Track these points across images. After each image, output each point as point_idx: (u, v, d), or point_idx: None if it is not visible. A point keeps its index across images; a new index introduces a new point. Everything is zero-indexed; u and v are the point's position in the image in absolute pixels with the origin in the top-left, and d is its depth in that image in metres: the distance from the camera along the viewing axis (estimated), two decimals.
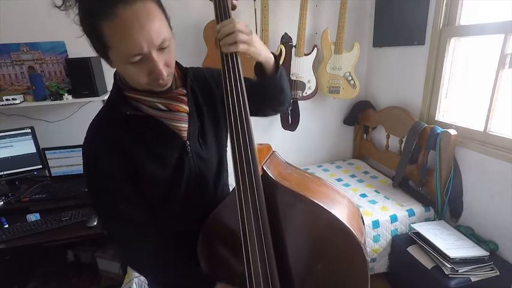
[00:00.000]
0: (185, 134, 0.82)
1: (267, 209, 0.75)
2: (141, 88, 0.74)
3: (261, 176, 0.75)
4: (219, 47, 0.76)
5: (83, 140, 0.78)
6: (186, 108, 0.81)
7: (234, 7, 0.78)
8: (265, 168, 0.77)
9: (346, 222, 0.73)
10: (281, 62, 2.25)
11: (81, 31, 0.66)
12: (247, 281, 0.78)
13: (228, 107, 0.76)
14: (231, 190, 0.82)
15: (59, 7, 0.65)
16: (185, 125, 0.81)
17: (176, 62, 0.80)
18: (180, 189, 0.84)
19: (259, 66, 0.86)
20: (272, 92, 0.90)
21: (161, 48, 0.66)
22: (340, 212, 0.75)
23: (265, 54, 0.82)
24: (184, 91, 0.81)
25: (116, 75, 0.79)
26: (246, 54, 0.78)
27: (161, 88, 0.73)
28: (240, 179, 0.74)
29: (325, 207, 0.73)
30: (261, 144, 0.82)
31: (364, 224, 0.86)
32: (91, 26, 0.63)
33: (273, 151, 0.87)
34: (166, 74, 0.69)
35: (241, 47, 0.74)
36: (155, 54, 0.65)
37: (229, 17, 0.76)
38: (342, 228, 0.73)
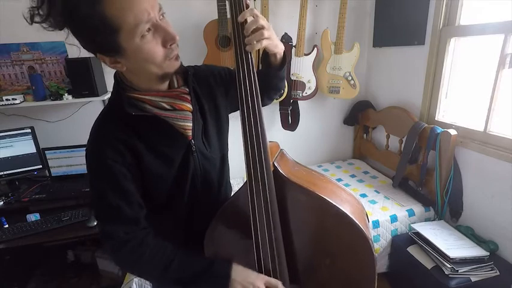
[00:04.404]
0: (190, 133, 0.82)
1: (277, 204, 0.77)
2: (154, 74, 0.72)
3: (272, 171, 0.77)
4: (236, 41, 0.75)
5: (87, 141, 0.77)
6: (190, 107, 0.81)
7: (247, 6, 0.78)
8: (276, 165, 0.79)
9: (353, 217, 0.74)
10: None
11: (85, 40, 0.65)
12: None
13: (242, 102, 0.76)
14: (237, 188, 0.82)
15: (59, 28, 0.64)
16: (190, 124, 0.81)
17: None
18: (185, 189, 0.84)
19: (267, 57, 0.87)
20: (275, 81, 0.93)
21: (161, 16, 0.68)
22: (347, 208, 0.77)
23: (280, 46, 0.83)
24: (187, 90, 0.82)
25: (117, 77, 0.78)
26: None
27: (175, 65, 0.73)
28: (252, 172, 0.75)
29: (334, 203, 0.75)
30: (270, 141, 0.83)
31: (368, 222, 0.87)
32: (92, 17, 0.60)
33: (281, 149, 0.88)
34: (178, 39, 0.70)
35: (265, 43, 0.75)
36: (161, 23, 0.67)
37: None
38: (350, 223, 0.75)
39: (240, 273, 0.77)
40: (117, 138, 0.74)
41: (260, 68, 0.93)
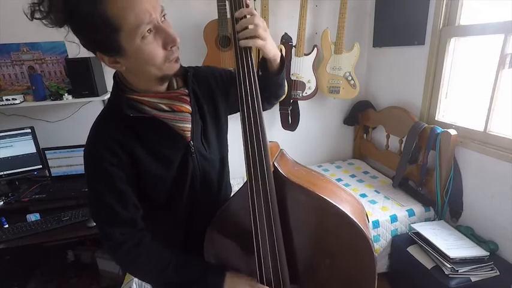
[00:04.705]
0: (189, 134, 0.81)
1: (277, 204, 0.77)
2: (154, 75, 0.72)
3: (272, 171, 0.77)
4: (236, 40, 0.75)
5: (85, 142, 0.77)
6: (189, 108, 0.81)
7: (247, 6, 0.78)
8: (276, 165, 0.78)
9: (353, 217, 0.74)
10: None
11: (86, 39, 0.65)
12: (258, 273, 0.80)
13: (242, 102, 0.76)
14: (237, 188, 0.82)
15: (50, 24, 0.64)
16: (188, 125, 0.81)
17: None
18: (184, 189, 0.84)
19: (264, 62, 0.86)
20: (273, 87, 0.92)
21: (163, 18, 0.68)
22: (347, 208, 0.77)
23: (275, 52, 0.82)
24: (186, 91, 0.81)
25: (116, 77, 0.78)
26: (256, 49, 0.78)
27: (174, 67, 0.73)
28: (252, 172, 0.75)
29: (334, 203, 0.75)
30: (269, 141, 0.83)
31: (368, 222, 0.87)
32: (93, 15, 0.60)
33: (281, 149, 0.88)
34: (178, 41, 0.70)
35: (259, 43, 0.74)
36: (162, 25, 0.67)
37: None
38: (350, 223, 0.75)
39: (232, 282, 0.80)
40: (115, 140, 0.74)
41: (259, 73, 0.92)
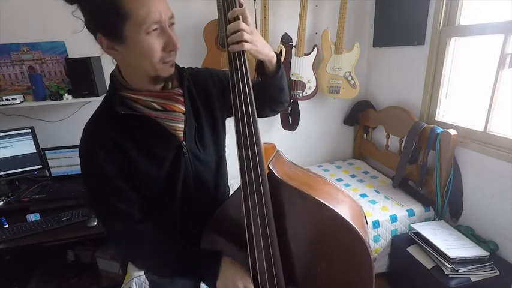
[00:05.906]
0: (181, 134, 0.82)
1: (272, 207, 0.76)
2: (147, 72, 0.73)
3: (267, 174, 0.76)
4: (227, 46, 0.76)
5: (80, 140, 0.78)
6: (182, 108, 0.81)
7: (241, 6, 0.78)
8: (271, 167, 0.78)
9: (350, 220, 0.74)
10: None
11: (92, 19, 0.67)
12: (252, 277, 0.79)
13: (235, 105, 0.76)
14: (234, 190, 0.82)
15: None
16: (181, 125, 0.81)
17: None
18: (176, 190, 0.84)
19: (260, 65, 0.86)
20: (272, 91, 0.90)
21: (171, 24, 0.71)
22: (344, 211, 0.76)
23: (267, 53, 0.81)
24: (181, 91, 0.82)
25: (113, 76, 0.79)
26: (248, 54, 0.77)
27: (169, 70, 0.75)
28: (247, 176, 0.75)
29: (330, 206, 0.74)
30: (265, 143, 0.82)
31: (367, 223, 0.86)
32: (107, 1, 0.64)
33: (278, 150, 0.87)
34: (178, 47, 0.72)
35: (246, 47, 0.74)
36: (168, 28, 0.70)
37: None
38: (346, 226, 0.74)
39: (226, 271, 0.80)
40: (108, 137, 0.75)
41: (258, 78, 0.91)
